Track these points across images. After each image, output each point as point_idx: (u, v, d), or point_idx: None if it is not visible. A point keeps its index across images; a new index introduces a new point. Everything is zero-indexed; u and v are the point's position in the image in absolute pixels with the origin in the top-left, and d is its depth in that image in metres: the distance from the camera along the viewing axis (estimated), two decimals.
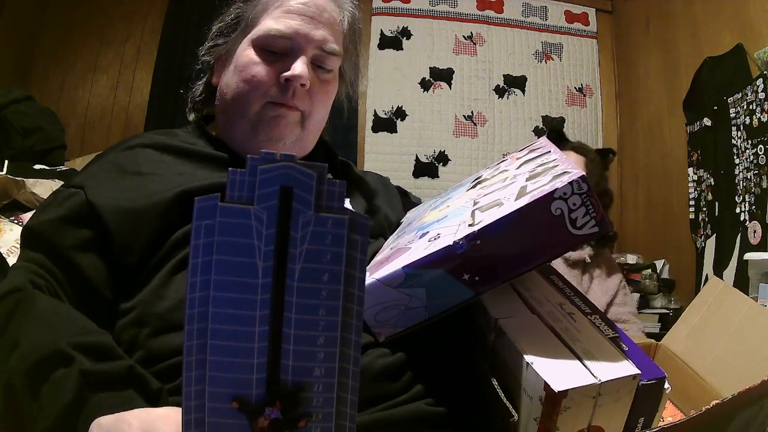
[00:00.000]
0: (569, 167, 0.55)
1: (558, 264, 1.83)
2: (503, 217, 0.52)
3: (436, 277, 0.54)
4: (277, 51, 0.77)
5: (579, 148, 1.92)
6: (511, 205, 0.53)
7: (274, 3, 0.78)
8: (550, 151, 0.66)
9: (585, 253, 1.86)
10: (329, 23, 0.80)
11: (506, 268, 0.55)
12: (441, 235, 0.57)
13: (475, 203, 0.61)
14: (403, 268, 0.54)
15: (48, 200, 0.72)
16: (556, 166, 0.58)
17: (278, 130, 0.78)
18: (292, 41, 0.76)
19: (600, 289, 1.86)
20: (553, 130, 2.09)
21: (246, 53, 0.78)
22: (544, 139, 0.74)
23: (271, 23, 0.77)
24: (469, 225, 0.55)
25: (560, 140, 2.05)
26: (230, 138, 0.81)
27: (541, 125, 3.00)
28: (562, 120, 3.01)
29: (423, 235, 0.61)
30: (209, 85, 0.87)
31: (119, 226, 0.65)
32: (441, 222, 0.62)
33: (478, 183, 0.72)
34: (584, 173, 0.52)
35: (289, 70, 0.75)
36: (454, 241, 0.53)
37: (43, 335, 0.54)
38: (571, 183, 0.51)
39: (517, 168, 0.67)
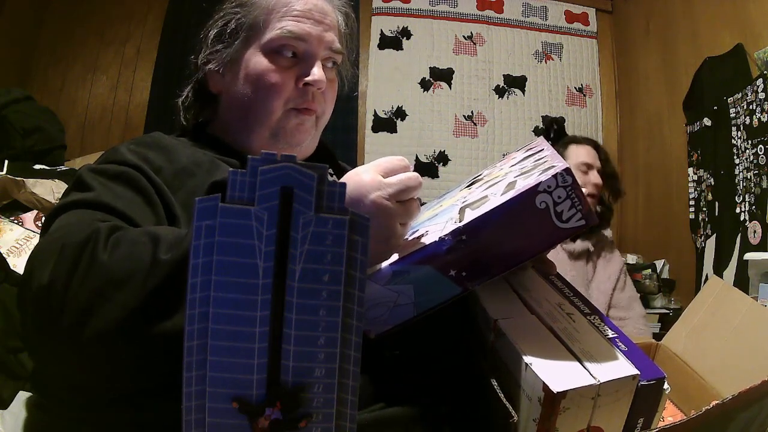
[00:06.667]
0: (556, 161, 0.55)
1: (562, 258, 1.85)
2: (488, 212, 0.52)
3: (423, 273, 0.54)
4: (291, 55, 0.78)
5: (588, 140, 1.98)
6: (496, 201, 0.53)
7: (279, 9, 0.78)
8: (543, 149, 0.66)
9: (588, 243, 1.88)
10: (332, 25, 0.81)
11: (493, 263, 0.55)
12: (429, 232, 0.57)
13: (464, 201, 0.61)
14: (390, 265, 0.54)
15: None
16: (546, 161, 0.58)
17: (299, 137, 0.80)
18: (307, 44, 0.77)
19: (604, 274, 1.89)
20: (554, 121, 2.12)
21: (258, 60, 0.77)
22: (540, 139, 0.74)
23: (282, 26, 0.77)
24: (456, 222, 0.55)
25: (561, 134, 2.08)
26: (241, 144, 0.81)
27: (541, 125, 3.00)
28: (562, 120, 3.01)
29: (413, 233, 0.61)
30: (204, 92, 0.86)
31: None
32: (432, 220, 0.62)
33: (475, 182, 0.73)
34: (569, 166, 0.51)
35: (306, 74, 0.77)
36: (440, 238, 0.53)
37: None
38: (555, 176, 0.51)
39: (510, 166, 0.67)
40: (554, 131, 2.12)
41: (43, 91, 2.56)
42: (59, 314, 0.47)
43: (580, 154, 1.89)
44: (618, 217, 2.86)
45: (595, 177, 1.86)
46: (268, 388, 0.36)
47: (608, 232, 2.01)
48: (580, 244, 1.87)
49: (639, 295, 2.33)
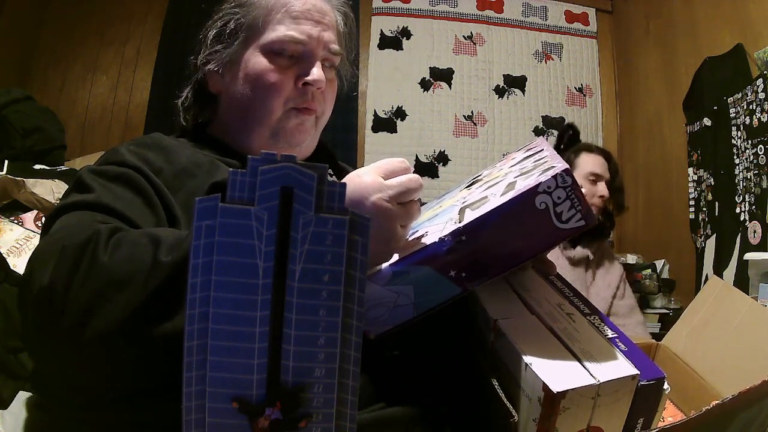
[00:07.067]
0: (555, 162, 0.55)
1: (563, 264, 1.84)
2: (488, 212, 0.52)
3: (423, 274, 0.54)
4: (290, 56, 0.78)
5: (600, 150, 1.97)
6: (496, 201, 0.53)
7: (278, 9, 0.78)
8: (543, 149, 0.66)
9: (588, 251, 1.87)
10: (331, 25, 0.81)
11: (493, 264, 0.55)
12: (428, 233, 0.57)
13: (464, 201, 0.61)
14: (390, 265, 0.54)
15: None
16: (546, 162, 0.58)
17: (299, 137, 0.80)
18: (306, 45, 0.78)
19: (603, 282, 1.89)
20: (570, 126, 2.12)
21: (257, 60, 0.77)
22: (540, 139, 0.74)
23: (282, 29, 0.77)
24: (456, 222, 0.55)
25: (575, 140, 2.08)
26: (241, 144, 0.81)
27: (541, 125, 3.01)
28: (562, 120, 3.02)
29: (413, 234, 0.61)
30: (203, 92, 0.86)
31: None
32: (431, 221, 0.62)
33: (474, 182, 0.73)
34: (568, 167, 0.52)
35: (306, 74, 0.77)
36: (439, 238, 0.53)
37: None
38: (555, 177, 0.51)
39: (510, 166, 0.67)
40: (569, 136, 2.11)
41: (43, 91, 2.56)
42: (60, 315, 0.47)
43: (590, 164, 1.89)
44: (618, 216, 2.86)
45: (602, 188, 1.86)
46: (268, 388, 0.36)
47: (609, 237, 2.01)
48: (580, 251, 1.87)
49: (638, 295, 2.33)
